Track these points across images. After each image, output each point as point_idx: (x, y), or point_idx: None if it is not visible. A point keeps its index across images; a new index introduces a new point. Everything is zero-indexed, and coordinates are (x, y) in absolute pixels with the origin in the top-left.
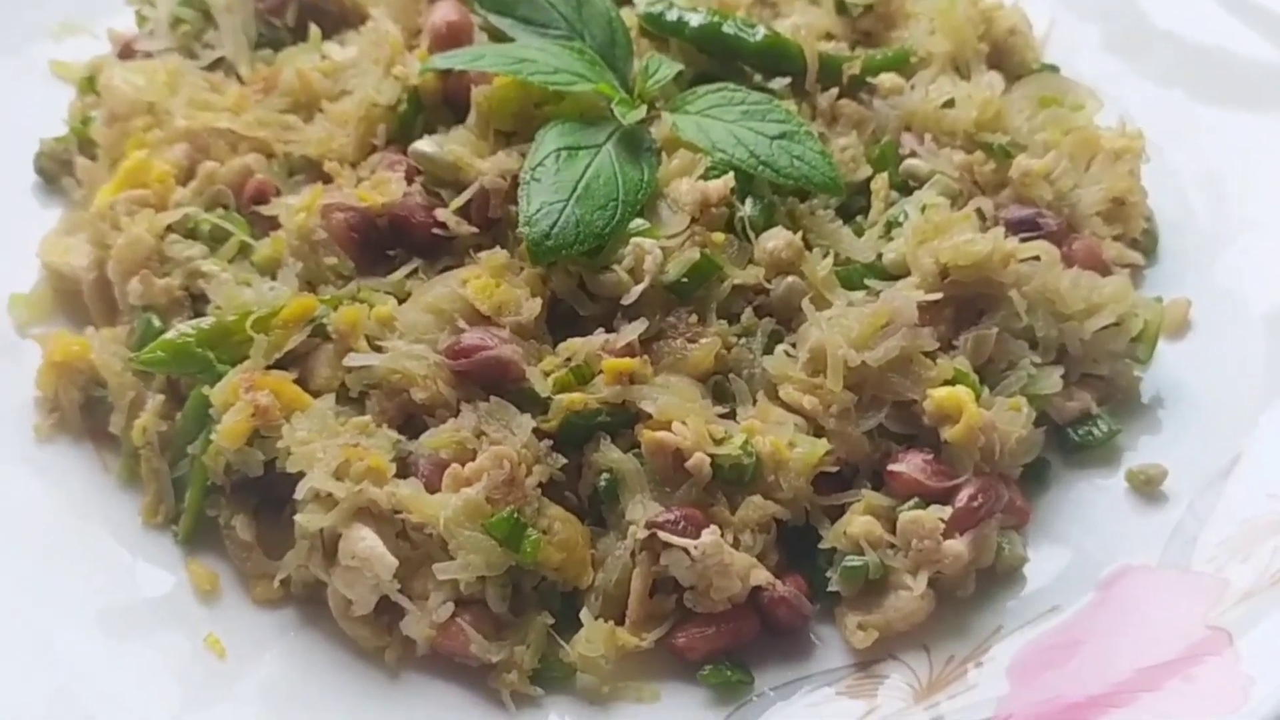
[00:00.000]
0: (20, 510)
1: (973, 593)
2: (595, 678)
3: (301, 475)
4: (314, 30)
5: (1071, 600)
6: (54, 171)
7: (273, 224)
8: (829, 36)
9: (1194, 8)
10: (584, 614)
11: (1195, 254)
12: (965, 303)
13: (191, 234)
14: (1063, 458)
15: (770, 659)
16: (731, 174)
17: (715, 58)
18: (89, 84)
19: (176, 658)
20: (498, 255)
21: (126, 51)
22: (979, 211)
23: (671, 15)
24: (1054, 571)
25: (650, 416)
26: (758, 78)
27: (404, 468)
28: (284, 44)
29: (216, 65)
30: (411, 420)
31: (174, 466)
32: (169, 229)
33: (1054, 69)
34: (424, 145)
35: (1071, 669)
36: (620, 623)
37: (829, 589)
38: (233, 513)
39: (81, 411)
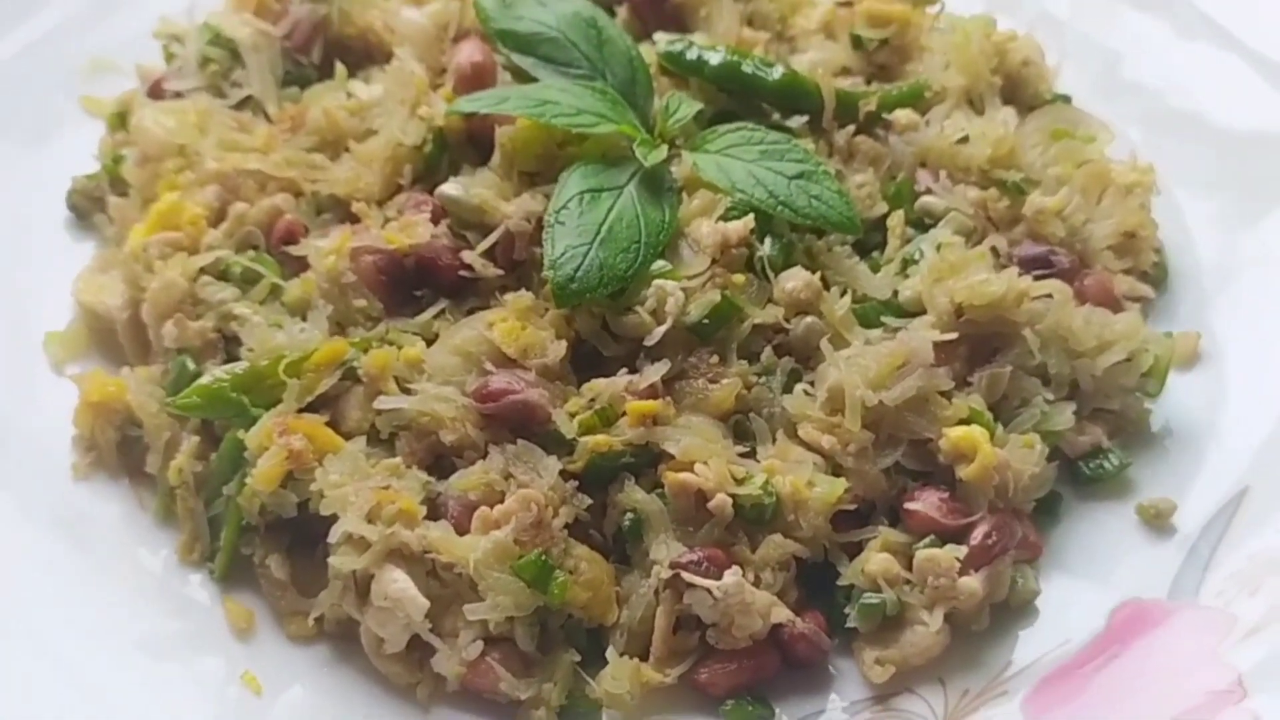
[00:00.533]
0: (58, 549)
1: (987, 626)
2: (621, 713)
3: (334, 518)
4: (340, 68)
5: (1083, 633)
6: (86, 208)
7: (302, 263)
8: (845, 71)
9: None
10: (609, 652)
11: (1205, 284)
12: (980, 341)
13: (223, 275)
14: (1074, 490)
15: (790, 692)
16: (751, 216)
17: (734, 96)
18: (119, 120)
19: (214, 692)
20: (523, 298)
21: (156, 90)
22: (994, 249)
23: (691, 54)
24: (1066, 604)
25: (673, 457)
26: (776, 116)
27: (433, 508)
28: (310, 81)
29: (244, 103)
30: (440, 460)
31: (209, 505)
32: (201, 271)
33: (1066, 99)
34: (450, 189)
35: (1083, 704)
36: (645, 659)
37: (847, 625)
38: (267, 552)
39: (118, 450)
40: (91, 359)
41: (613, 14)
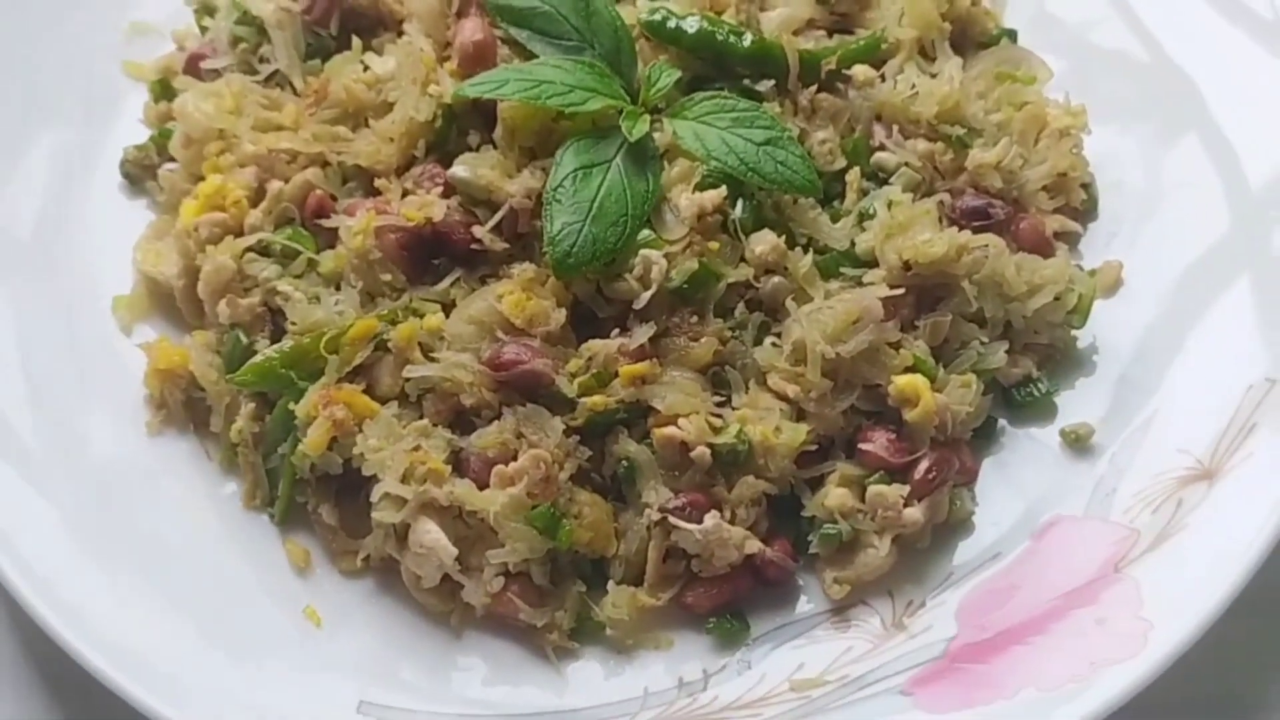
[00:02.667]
0: (139, 496)
1: (929, 543)
2: (621, 632)
3: (375, 477)
4: (356, 42)
5: (1012, 547)
6: (138, 175)
7: (333, 234)
8: (810, 23)
9: None
10: (610, 583)
11: (1130, 213)
12: (925, 290)
13: (265, 251)
14: (1008, 414)
15: (764, 607)
16: (724, 187)
17: (709, 62)
18: (161, 88)
19: (282, 622)
20: (527, 270)
21: (193, 67)
22: (939, 204)
23: (671, 24)
24: (998, 521)
25: (660, 412)
26: (746, 81)
27: (457, 462)
28: (330, 51)
29: (272, 77)
30: (461, 417)
31: (266, 459)
32: (246, 249)
33: (1012, 35)
34: (460, 171)
35: (1006, 611)
36: (640, 585)
37: (810, 551)
38: (319, 501)
39: (184, 409)
40: (154, 320)
41: None
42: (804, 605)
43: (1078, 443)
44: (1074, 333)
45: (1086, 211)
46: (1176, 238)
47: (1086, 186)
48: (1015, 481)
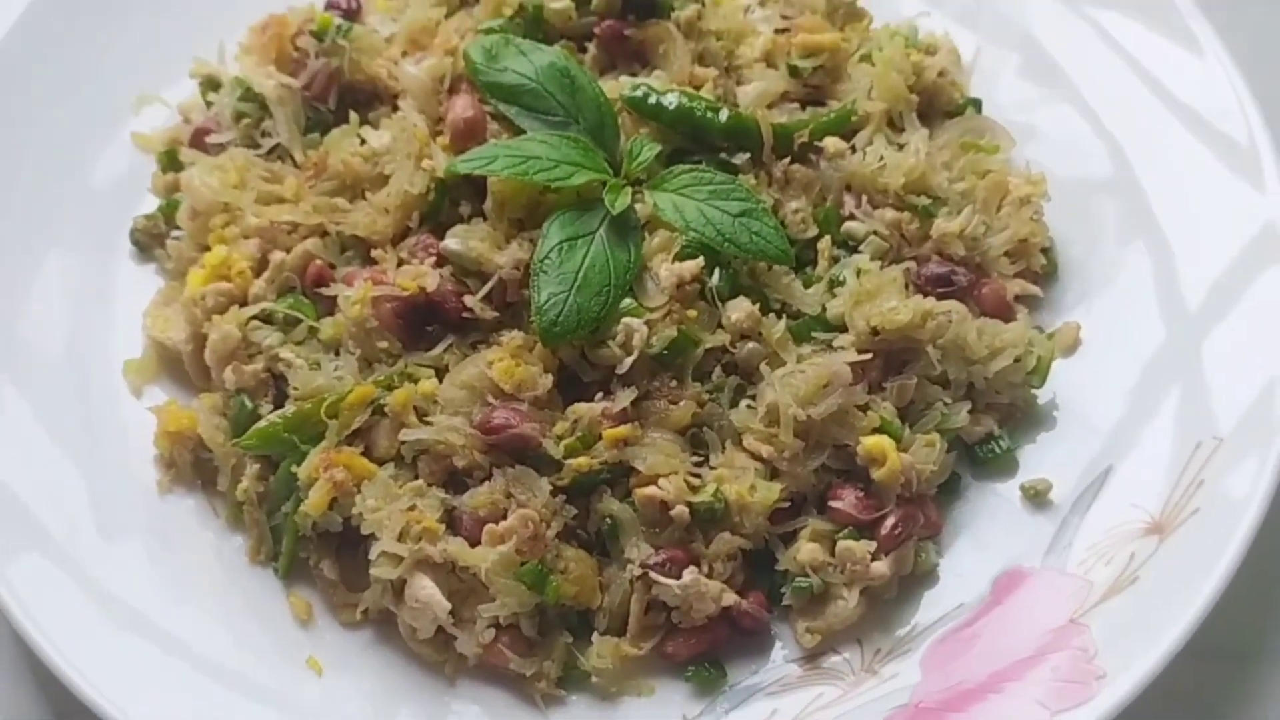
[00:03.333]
0: (151, 551)
1: (896, 594)
2: (605, 680)
3: (373, 535)
4: (353, 116)
5: (973, 598)
6: (147, 244)
7: (332, 301)
8: (784, 95)
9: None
10: (595, 635)
11: (1090, 277)
12: (892, 354)
13: (268, 319)
14: (971, 470)
15: (739, 654)
16: (702, 257)
17: (687, 136)
18: (168, 159)
19: (285, 670)
20: (516, 338)
21: (198, 141)
22: (905, 271)
23: (651, 99)
24: (961, 572)
25: (641, 472)
26: (723, 154)
27: (450, 519)
28: (328, 125)
29: (273, 150)
30: (454, 477)
31: (270, 517)
32: (250, 318)
33: (977, 103)
34: (452, 244)
35: (968, 660)
36: (622, 635)
37: (783, 603)
38: (320, 557)
39: (192, 468)
40: (162, 383)
41: (584, 49)
42: (778, 653)
43: (1036, 497)
44: (1034, 391)
45: (1047, 275)
46: (1133, 300)
47: (1046, 251)
48: (977, 534)
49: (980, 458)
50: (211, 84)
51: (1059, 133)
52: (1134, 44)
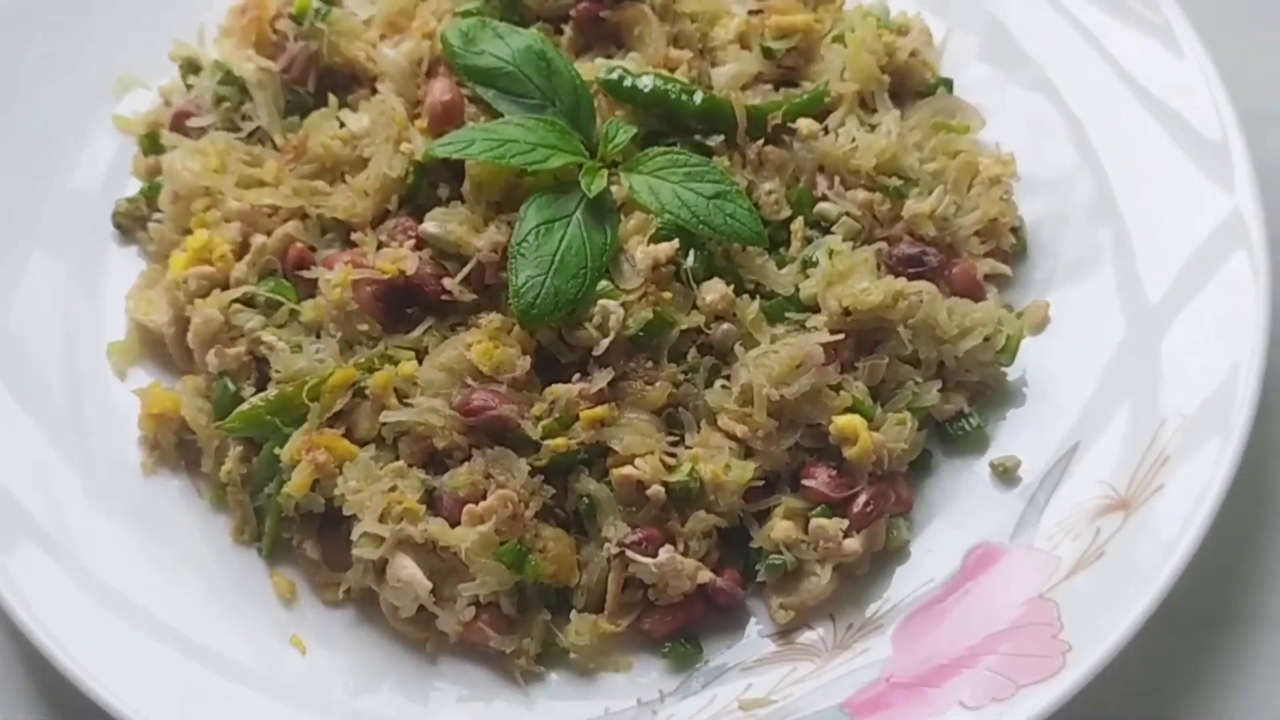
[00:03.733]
0: (137, 532)
1: (868, 570)
2: (583, 656)
3: (355, 517)
4: (332, 99)
5: (944, 573)
6: (130, 226)
7: (313, 284)
8: (758, 76)
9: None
10: (573, 613)
11: (1060, 257)
12: (863, 334)
13: (250, 302)
14: (943, 447)
15: (715, 630)
16: (677, 239)
17: (662, 118)
18: (149, 142)
19: (269, 648)
20: (494, 320)
21: (179, 124)
22: (877, 252)
23: (627, 82)
24: (932, 548)
25: (617, 452)
26: (697, 136)
27: (430, 499)
28: (308, 108)
29: (254, 133)
30: (434, 458)
31: (253, 497)
32: (232, 301)
33: (948, 84)
34: (431, 227)
35: (938, 635)
36: (600, 612)
37: (758, 579)
38: (303, 537)
39: (176, 450)
40: (146, 364)
41: (560, 30)
42: (752, 629)
43: (1005, 474)
44: (1003, 370)
45: (1016, 254)
46: (1099, 280)
47: (1016, 230)
48: (948, 510)
49: (951, 435)
50: (191, 67)
51: (1026, 116)
52: (1107, 33)
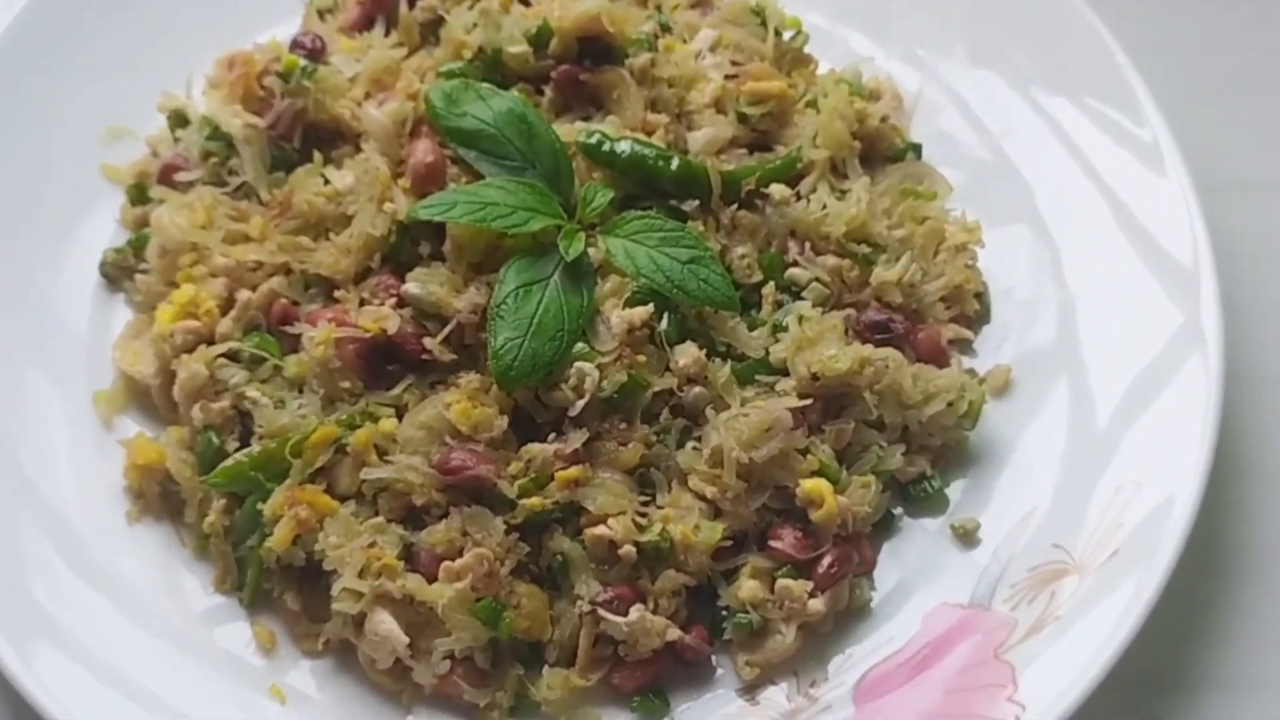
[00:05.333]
0: (120, 579)
1: (831, 629)
2: (555, 710)
3: (335, 572)
4: (317, 156)
5: (904, 632)
6: (116, 276)
7: (297, 339)
8: (733, 140)
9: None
10: (545, 668)
11: (1019, 319)
12: (830, 398)
13: (234, 357)
14: (904, 506)
15: (683, 685)
16: (652, 304)
17: (639, 182)
18: (137, 192)
19: (248, 699)
20: (473, 380)
21: (166, 177)
22: (845, 318)
23: (605, 147)
24: (893, 607)
25: (591, 512)
26: (673, 201)
27: (408, 554)
28: (293, 163)
29: (240, 187)
30: (412, 513)
31: (236, 549)
32: (217, 355)
33: (918, 148)
34: (413, 288)
35: (899, 694)
36: (572, 666)
37: (725, 637)
38: (283, 589)
39: (160, 499)
40: (132, 413)
41: (540, 91)
42: (718, 683)
43: (965, 536)
44: (966, 433)
45: (980, 318)
46: (1054, 349)
47: (979, 296)
48: (908, 570)
49: (913, 496)
50: (179, 119)
51: (992, 176)
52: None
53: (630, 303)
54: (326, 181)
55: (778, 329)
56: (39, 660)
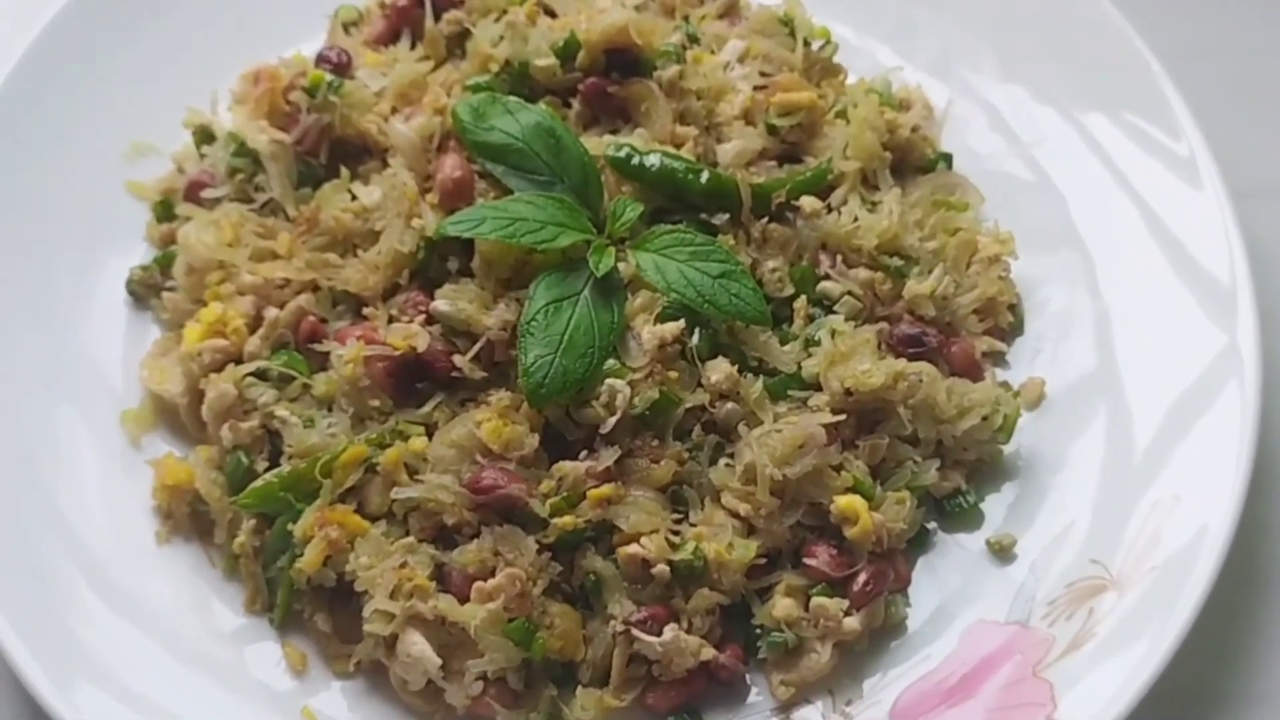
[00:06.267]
0: (151, 602)
1: (866, 646)
2: None
3: (366, 594)
4: (344, 172)
5: (940, 650)
6: (143, 294)
7: (325, 357)
8: (763, 152)
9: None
10: (579, 689)
11: (1052, 331)
12: (864, 414)
13: (263, 375)
14: (939, 521)
15: (717, 704)
16: (683, 320)
17: (668, 195)
18: (162, 208)
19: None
20: (503, 398)
21: (192, 194)
22: (879, 332)
23: (634, 160)
24: (929, 624)
25: (623, 530)
26: (703, 215)
27: (439, 574)
28: (319, 179)
29: (267, 204)
30: (443, 533)
31: (266, 569)
32: (245, 374)
33: (948, 158)
34: (442, 305)
35: (936, 713)
36: (605, 686)
37: (759, 656)
38: (314, 610)
39: (190, 520)
40: (160, 432)
41: (568, 104)
42: (753, 701)
43: (1001, 552)
44: (1000, 447)
45: (1013, 330)
46: (1087, 356)
47: (1013, 308)
48: (943, 586)
49: (948, 511)
50: (204, 135)
51: (1025, 188)
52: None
53: (661, 318)
54: (354, 197)
55: (810, 343)
56: (70, 689)
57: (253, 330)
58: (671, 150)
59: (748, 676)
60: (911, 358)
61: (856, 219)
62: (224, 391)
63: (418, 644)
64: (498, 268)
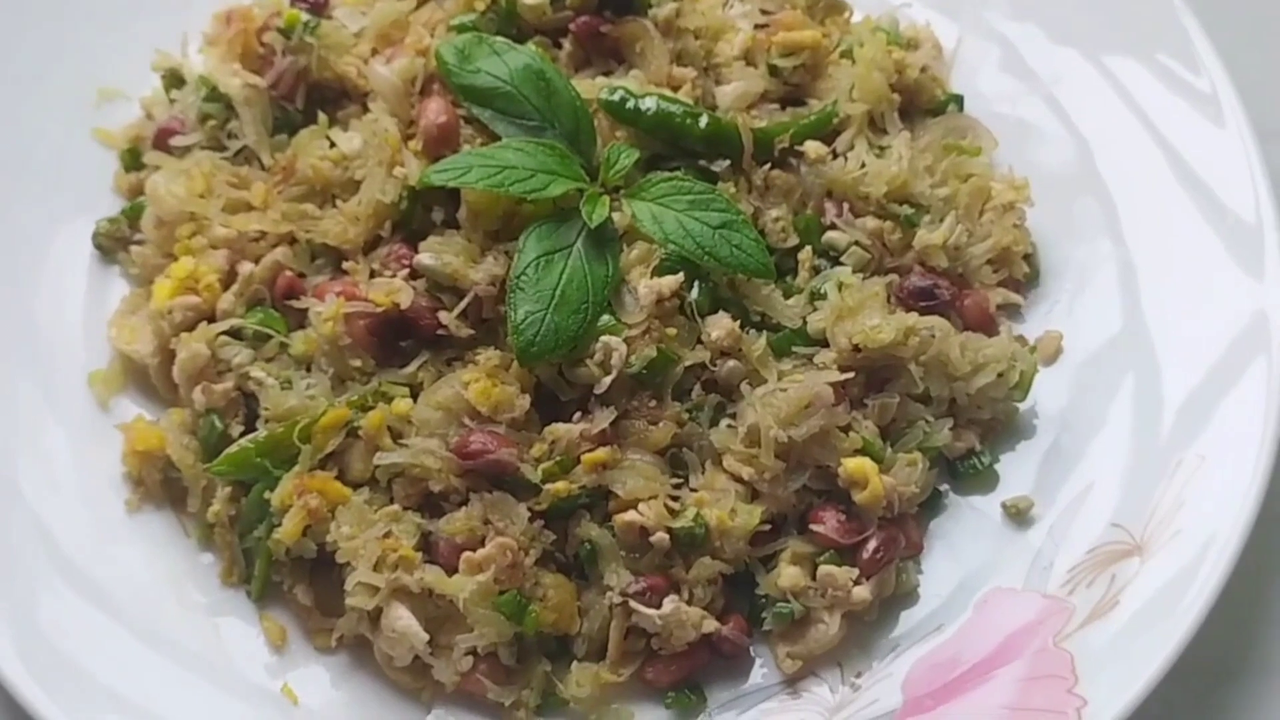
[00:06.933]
0: (121, 573)
1: (876, 616)
2: (584, 707)
3: (348, 565)
4: (321, 118)
5: (953, 619)
6: (111, 247)
7: (303, 314)
8: (764, 95)
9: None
10: (574, 664)
11: (1069, 285)
12: (873, 371)
13: (237, 334)
14: (952, 483)
15: (719, 678)
16: (681, 273)
17: (665, 141)
18: (130, 156)
19: (258, 698)
20: (492, 356)
21: (161, 142)
22: (888, 285)
23: (629, 104)
24: (941, 592)
25: (620, 496)
26: (702, 161)
27: (425, 543)
28: (296, 125)
29: (240, 151)
30: (429, 500)
31: (242, 539)
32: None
33: (959, 100)
34: (426, 259)
35: (949, 686)
36: (602, 660)
37: (764, 627)
38: (294, 582)
39: (162, 486)
40: (130, 394)
41: (558, 45)
42: (757, 676)
43: (1018, 515)
44: (1016, 405)
45: (1028, 282)
46: (1112, 307)
47: (1028, 258)
48: (957, 552)
49: (961, 473)
50: (175, 79)
51: (1040, 129)
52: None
53: (658, 271)
54: (332, 145)
55: (815, 296)
56: (38, 671)
57: (226, 286)
58: (668, 93)
59: (752, 649)
60: (923, 311)
61: (864, 165)
62: (196, 352)
63: (403, 618)
64: (485, 219)
